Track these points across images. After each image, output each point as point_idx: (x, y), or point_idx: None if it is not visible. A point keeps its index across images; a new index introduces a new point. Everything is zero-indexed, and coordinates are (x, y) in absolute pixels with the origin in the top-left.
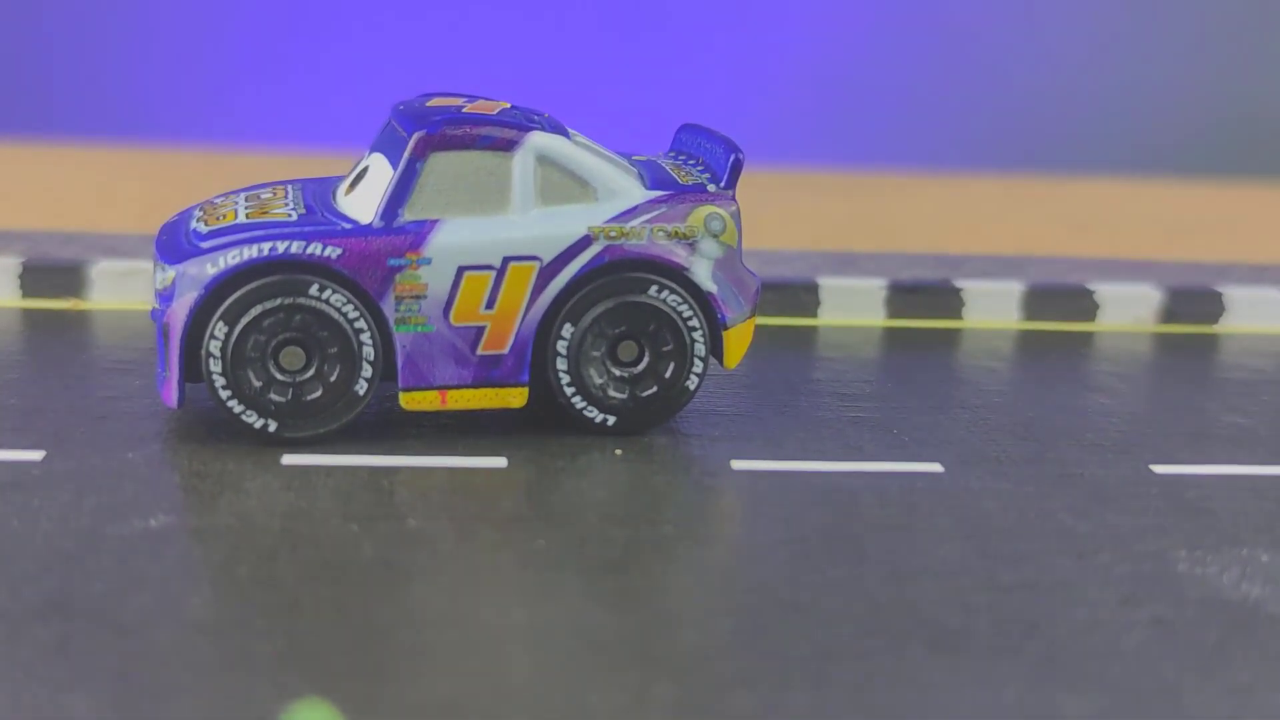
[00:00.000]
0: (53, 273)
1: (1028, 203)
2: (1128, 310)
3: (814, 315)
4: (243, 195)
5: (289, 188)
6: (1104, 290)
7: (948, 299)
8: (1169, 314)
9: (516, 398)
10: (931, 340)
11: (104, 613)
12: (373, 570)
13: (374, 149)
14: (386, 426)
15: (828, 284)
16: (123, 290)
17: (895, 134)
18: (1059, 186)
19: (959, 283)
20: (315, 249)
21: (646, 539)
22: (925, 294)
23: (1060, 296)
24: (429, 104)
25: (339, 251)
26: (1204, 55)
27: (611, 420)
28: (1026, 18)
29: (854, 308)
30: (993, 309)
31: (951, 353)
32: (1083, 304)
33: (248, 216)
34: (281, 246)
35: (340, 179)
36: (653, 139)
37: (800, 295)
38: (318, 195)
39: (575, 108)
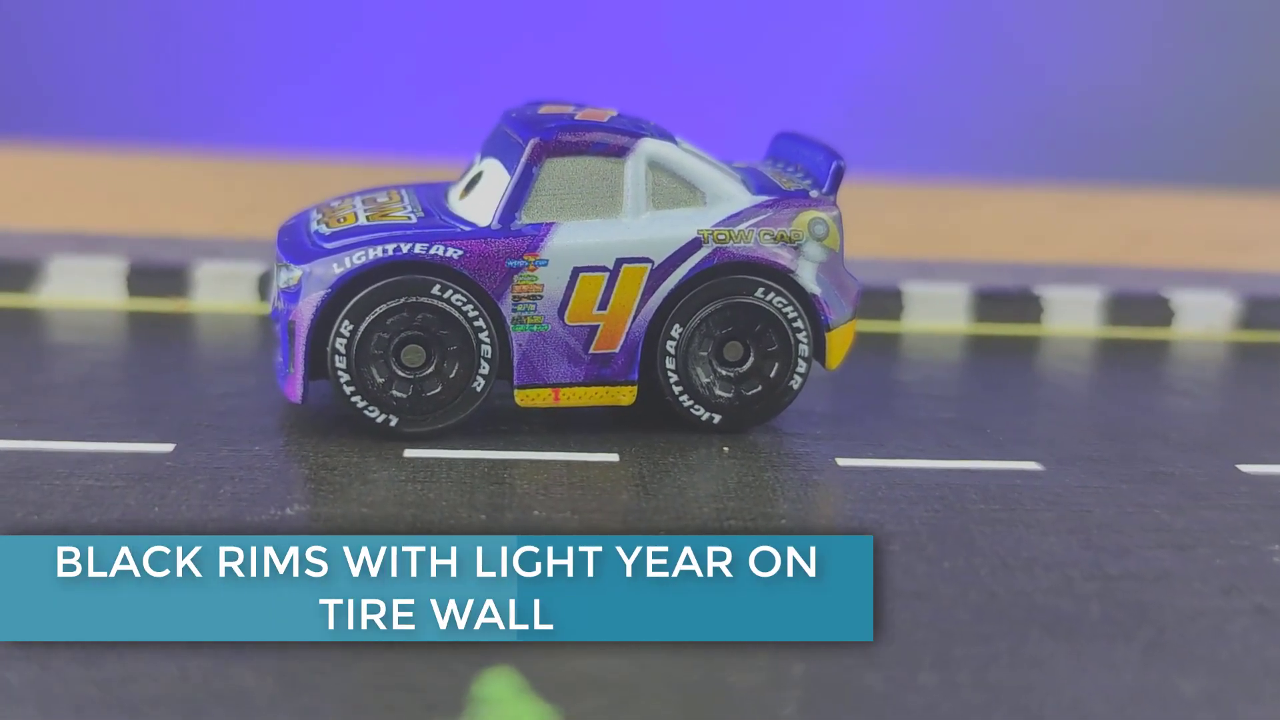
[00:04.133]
0: (158, 275)
1: (1089, 213)
2: (1202, 318)
3: (898, 320)
4: (359, 198)
5: (403, 191)
6: (1179, 298)
7: (1028, 306)
8: (1243, 322)
9: (626, 396)
10: (1012, 345)
11: None
12: None
13: (485, 154)
14: (499, 422)
15: (911, 290)
16: (226, 292)
17: (958, 147)
18: (1119, 198)
19: (1038, 290)
20: (438, 250)
21: (763, 530)
22: (1007, 301)
23: (1137, 304)
24: (540, 111)
25: (460, 253)
26: (1267, 70)
27: (717, 418)
28: (1091, 36)
29: (937, 313)
30: (1072, 315)
31: (1033, 357)
32: (1159, 311)
33: (368, 219)
34: (405, 247)
35: (449, 184)
36: (734, 148)
37: (884, 301)
38: (432, 199)
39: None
